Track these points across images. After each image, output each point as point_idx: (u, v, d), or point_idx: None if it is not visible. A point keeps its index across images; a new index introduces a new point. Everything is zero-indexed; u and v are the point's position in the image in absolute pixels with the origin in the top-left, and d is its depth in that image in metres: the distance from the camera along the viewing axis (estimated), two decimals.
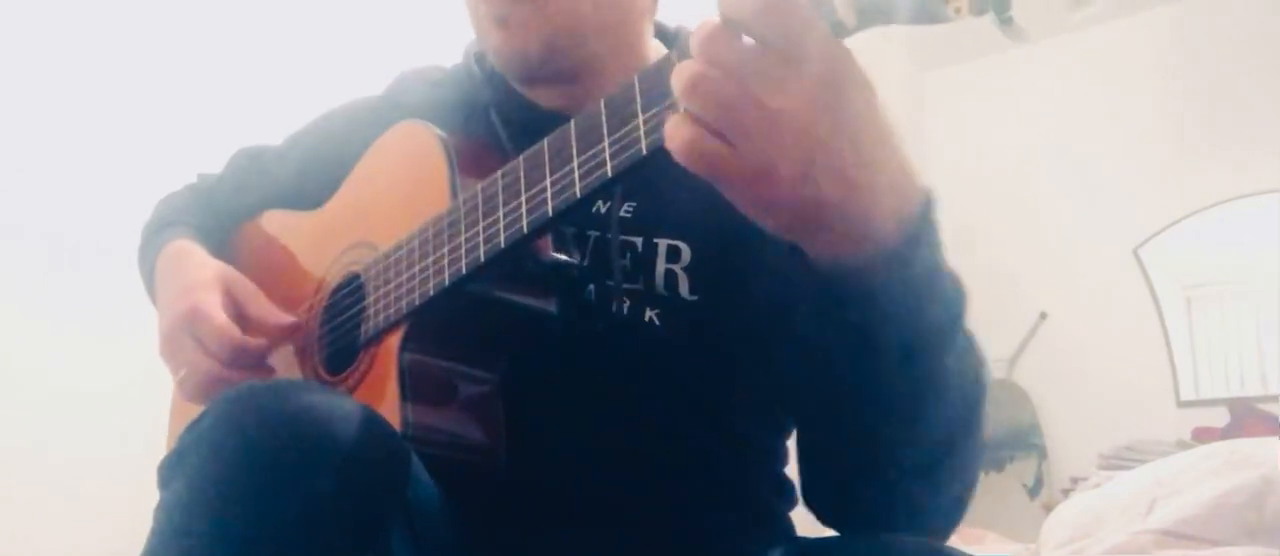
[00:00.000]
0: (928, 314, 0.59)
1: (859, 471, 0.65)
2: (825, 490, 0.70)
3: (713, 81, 0.50)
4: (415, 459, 0.69)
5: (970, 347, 0.64)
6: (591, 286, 0.81)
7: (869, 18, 0.52)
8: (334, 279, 0.89)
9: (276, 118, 1.12)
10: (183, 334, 0.86)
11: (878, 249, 0.55)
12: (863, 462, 0.64)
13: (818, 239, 0.55)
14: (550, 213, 0.65)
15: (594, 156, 0.62)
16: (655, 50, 0.91)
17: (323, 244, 0.93)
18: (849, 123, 0.51)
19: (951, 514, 0.67)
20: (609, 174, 0.61)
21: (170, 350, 0.89)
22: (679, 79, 0.51)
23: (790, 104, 0.49)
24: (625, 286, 0.80)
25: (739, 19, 0.49)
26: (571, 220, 0.80)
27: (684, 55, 0.53)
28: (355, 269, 0.85)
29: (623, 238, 0.81)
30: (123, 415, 1.62)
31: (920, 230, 0.56)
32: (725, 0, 0.50)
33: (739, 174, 0.52)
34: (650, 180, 0.78)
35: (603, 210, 0.81)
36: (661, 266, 0.80)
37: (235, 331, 0.84)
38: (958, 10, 0.51)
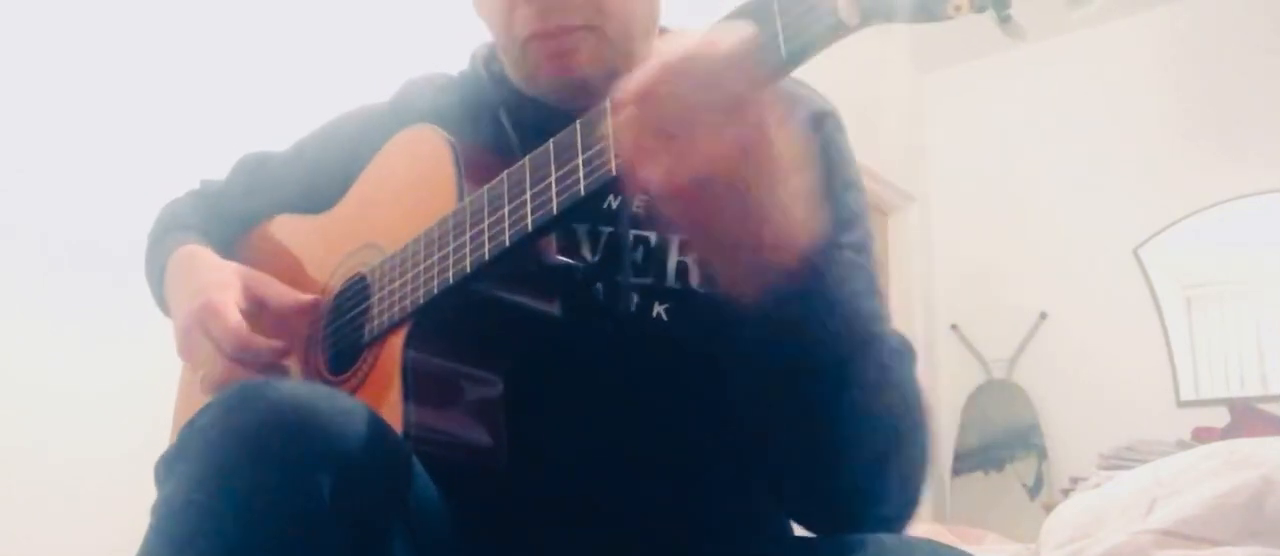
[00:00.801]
0: (840, 338, 0.63)
1: (799, 472, 0.69)
2: (779, 486, 0.73)
3: (663, 102, 0.56)
4: (415, 459, 0.69)
5: (895, 360, 0.68)
6: (599, 284, 0.81)
7: (871, 16, 0.52)
8: (339, 281, 0.89)
9: (280, 124, 1.12)
10: (197, 332, 0.86)
11: (777, 279, 0.60)
12: (800, 467, 0.68)
13: (730, 259, 0.62)
14: (555, 210, 0.65)
15: (599, 154, 0.63)
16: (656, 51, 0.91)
17: (329, 247, 0.93)
18: (769, 169, 0.57)
19: (903, 500, 0.69)
20: (613, 171, 0.61)
21: (188, 349, 0.89)
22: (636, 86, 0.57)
23: (719, 148, 0.56)
24: (636, 281, 0.80)
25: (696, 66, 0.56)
26: (583, 217, 0.80)
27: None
28: (361, 271, 0.85)
29: (636, 232, 0.81)
30: (123, 415, 1.62)
31: (817, 266, 0.61)
32: (690, 51, 0.56)
33: (671, 182, 0.57)
34: None
35: (613, 206, 0.81)
36: (674, 258, 0.81)
37: (244, 329, 0.84)
38: (958, 8, 0.51)
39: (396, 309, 0.78)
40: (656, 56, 0.58)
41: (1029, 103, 4.40)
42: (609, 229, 0.81)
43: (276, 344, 0.85)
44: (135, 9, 1.89)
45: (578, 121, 0.66)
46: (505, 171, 0.71)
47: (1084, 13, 0.51)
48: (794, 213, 0.59)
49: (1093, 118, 4.22)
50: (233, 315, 0.85)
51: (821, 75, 0.80)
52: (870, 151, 4.02)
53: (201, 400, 0.86)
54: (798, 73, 0.89)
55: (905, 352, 0.70)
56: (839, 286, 0.63)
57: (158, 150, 1.86)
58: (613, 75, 0.78)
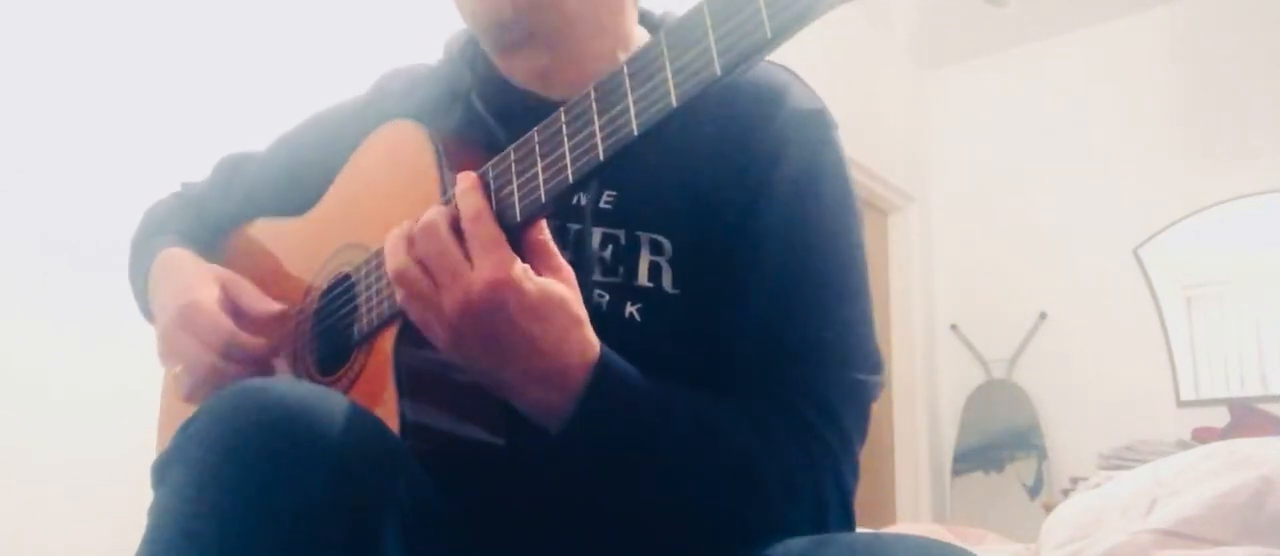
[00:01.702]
0: (627, 455, 0.70)
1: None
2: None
3: (417, 262, 0.67)
4: (411, 457, 0.69)
5: (706, 462, 0.72)
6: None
7: None
8: (324, 281, 0.88)
9: (273, 121, 1.12)
10: (179, 330, 0.86)
11: (548, 418, 0.69)
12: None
13: (500, 390, 0.70)
14: (543, 198, 0.65)
15: (585, 141, 0.62)
16: (640, 35, 0.91)
17: (312, 248, 0.92)
18: (497, 327, 0.65)
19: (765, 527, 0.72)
20: (601, 157, 0.61)
21: (167, 348, 0.88)
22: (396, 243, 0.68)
23: (453, 299, 0.65)
24: (605, 279, 0.79)
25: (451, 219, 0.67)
26: (553, 213, 0.80)
27: (672, 39, 0.59)
28: (345, 270, 0.85)
29: (605, 230, 0.80)
30: (123, 415, 1.62)
31: (583, 411, 0.67)
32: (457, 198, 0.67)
33: (427, 319, 0.68)
34: (633, 173, 0.78)
35: (582, 202, 0.81)
36: (645, 259, 0.80)
37: (230, 324, 0.84)
38: None
39: (385, 307, 0.77)
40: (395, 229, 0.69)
41: (1029, 102, 4.40)
42: (577, 225, 0.81)
43: (263, 342, 0.85)
44: (134, 9, 1.89)
45: (561, 108, 0.65)
46: (488, 164, 0.70)
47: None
48: (559, 345, 0.66)
49: (1093, 117, 4.22)
50: (217, 312, 0.85)
51: (821, 74, 0.80)
52: (870, 151, 4.02)
53: (181, 403, 0.86)
54: (799, 72, 0.90)
55: (766, 429, 0.74)
56: (625, 400, 0.69)
57: (157, 150, 1.85)
58: (532, 13, 0.83)
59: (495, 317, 0.64)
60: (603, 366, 0.68)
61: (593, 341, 0.68)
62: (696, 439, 0.71)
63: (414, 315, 0.68)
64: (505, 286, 0.64)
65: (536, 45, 0.86)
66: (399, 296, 0.68)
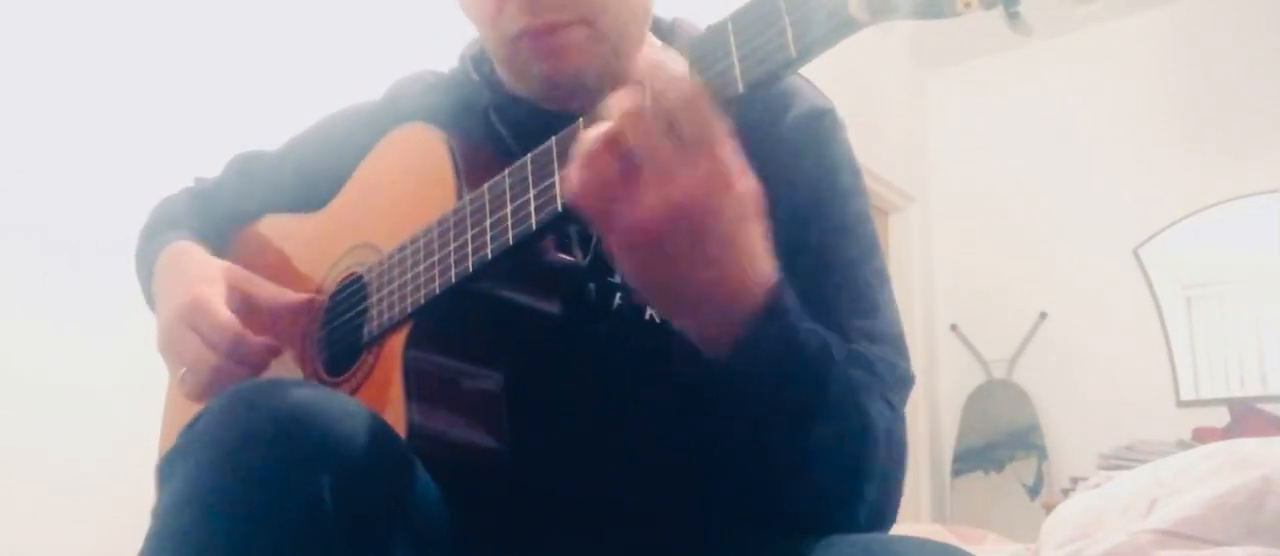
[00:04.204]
0: (783, 390, 0.64)
1: (760, 488, 0.71)
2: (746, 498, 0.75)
3: (627, 143, 0.57)
4: (416, 459, 0.69)
5: (849, 406, 0.68)
6: (592, 285, 0.80)
7: (881, 12, 0.52)
8: (335, 282, 0.88)
9: (276, 121, 1.12)
10: (183, 328, 0.84)
11: (722, 330, 0.62)
12: (759, 484, 0.71)
13: (675, 308, 0.63)
14: (559, 207, 0.65)
15: None
16: (651, 45, 0.91)
17: (323, 247, 0.92)
18: (715, 221, 0.57)
19: (871, 512, 0.71)
20: None
21: (170, 346, 0.87)
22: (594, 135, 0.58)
23: (676, 191, 0.56)
24: (624, 281, 0.79)
25: (664, 105, 0.56)
26: (574, 217, 0.80)
27: (694, 55, 0.57)
28: (357, 271, 0.85)
29: None
30: (123, 415, 1.62)
31: (765, 319, 0.62)
32: (658, 88, 0.56)
33: (622, 224, 0.58)
34: None
35: None
36: None
37: (236, 323, 0.83)
38: (967, 4, 0.51)
39: (396, 309, 0.77)
40: (616, 100, 0.58)
41: (1029, 102, 4.40)
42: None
43: (269, 341, 0.84)
44: (134, 9, 1.89)
45: (580, 119, 0.65)
46: (507, 170, 0.70)
47: (1089, 10, 0.51)
48: (754, 255, 0.60)
49: (1093, 118, 4.22)
50: (223, 310, 0.83)
51: (821, 74, 0.80)
52: (870, 151, 4.02)
53: (185, 402, 0.85)
54: (800, 71, 0.90)
55: (875, 377, 0.72)
56: (799, 325, 0.64)
57: (158, 148, 1.85)
58: (605, 72, 0.79)
59: (714, 222, 0.57)
60: (783, 286, 0.63)
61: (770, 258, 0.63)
62: (848, 391, 0.68)
63: (595, 211, 0.59)
64: (726, 183, 0.57)
65: (592, 88, 0.82)
66: (579, 188, 0.59)
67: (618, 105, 0.57)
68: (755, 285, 0.61)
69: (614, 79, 0.82)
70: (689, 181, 0.56)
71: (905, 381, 0.78)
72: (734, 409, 0.65)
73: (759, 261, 0.60)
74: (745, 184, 0.58)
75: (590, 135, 0.59)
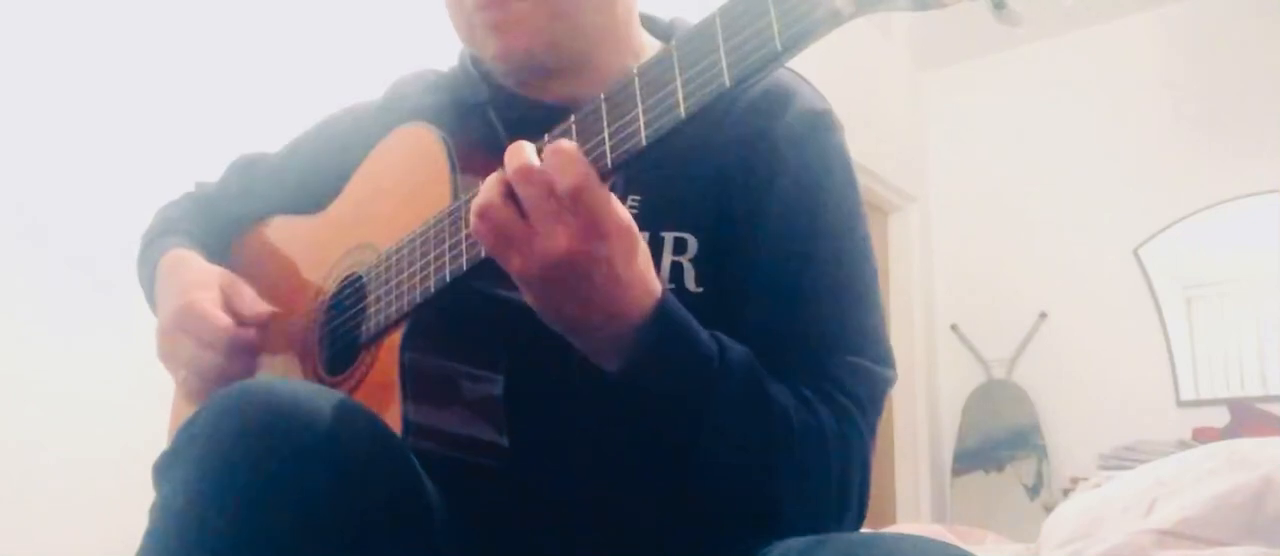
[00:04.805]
0: (677, 398, 0.69)
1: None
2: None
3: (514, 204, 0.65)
4: (413, 458, 0.69)
5: (750, 405, 0.71)
6: None
7: (866, 4, 0.52)
8: (335, 282, 0.89)
9: (277, 123, 1.12)
10: (179, 332, 0.86)
11: (611, 354, 0.69)
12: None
13: (568, 332, 0.69)
14: None
15: (594, 148, 0.63)
16: (647, 41, 0.91)
17: (324, 248, 0.92)
18: (590, 266, 0.64)
19: (809, 513, 0.73)
20: (609, 165, 0.62)
21: (168, 350, 0.88)
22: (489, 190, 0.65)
23: (555, 244, 0.63)
24: None
25: (548, 166, 0.63)
26: None
27: (682, 50, 0.59)
28: (356, 271, 0.85)
29: None
30: (123, 415, 1.62)
31: (647, 335, 0.68)
32: (549, 160, 0.63)
33: (515, 266, 0.65)
34: (656, 175, 0.79)
35: None
36: (667, 259, 0.80)
37: (230, 323, 0.84)
38: None
39: (393, 308, 0.77)
40: (514, 153, 0.65)
41: (1029, 102, 4.40)
42: None
43: (264, 337, 0.85)
44: (134, 9, 1.89)
45: (572, 115, 0.65)
46: (499, 168, 0.70)
47: (1075, 2, 0.51)
48: (630, 285, 0.66)
49: (1093, 118, 4.22)
50: (215, 311, 0.84)
51: (821, 74, 0.80)
52: (870, 151, 4.02)
53: (190, 408, 0.86)
54: (797, 67, 0.90)
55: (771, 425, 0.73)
56: (686, 336, 0.69)
57: (158, 150, 1.85)
58: (563, 50, 0.83)
59: (591, 266, 0.64)
60: (666, 303, 0.69)
61: (656, 279, 0.70)
62: (747, 388, 0.71)
63: (495, 252, 0.66)
64: (599, 234, 0.64)
65: (562, 75, 0.86)
66: (481, 230, 0.66)
67: (513, 160, 0.64)
68: (635, 312, 0.67)
69: (577, 59, 0.85)
70: (566, 235, 0.63)
71: (879, 385, 0.79)
72: (645, 416, 0.71)
73: (635, 290, 0.67)
74: (619, 231, 0.64)
75: (487, 183, 0.66)
